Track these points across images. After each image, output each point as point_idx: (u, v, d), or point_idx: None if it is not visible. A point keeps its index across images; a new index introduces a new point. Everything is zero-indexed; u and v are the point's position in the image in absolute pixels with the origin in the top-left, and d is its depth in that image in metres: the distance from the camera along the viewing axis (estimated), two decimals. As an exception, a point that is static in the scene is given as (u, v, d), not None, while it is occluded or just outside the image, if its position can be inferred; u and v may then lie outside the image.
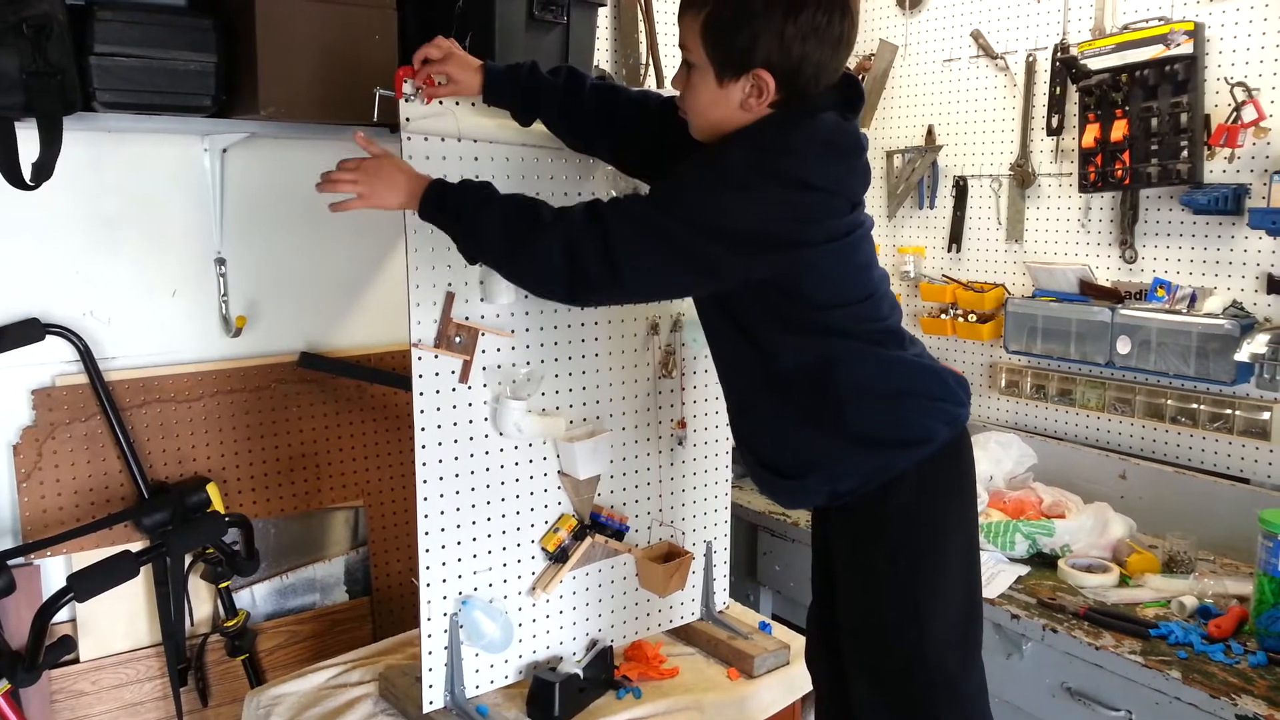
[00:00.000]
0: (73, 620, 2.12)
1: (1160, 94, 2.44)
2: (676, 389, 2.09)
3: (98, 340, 2.12)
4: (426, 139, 1.69)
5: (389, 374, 2.45)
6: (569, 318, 1.92)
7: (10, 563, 1.96)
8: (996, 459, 2.62)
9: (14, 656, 1.89)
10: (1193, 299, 2.45)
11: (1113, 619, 2.05)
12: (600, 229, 1.40)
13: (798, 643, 2.10)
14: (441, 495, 1.79)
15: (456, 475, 1.81)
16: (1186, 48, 2.37)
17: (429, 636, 1.80)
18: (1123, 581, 2.23)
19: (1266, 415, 2.34)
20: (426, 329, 1.75)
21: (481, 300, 1.79)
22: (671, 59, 2.93)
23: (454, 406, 1.79)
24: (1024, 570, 2.31)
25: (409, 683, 1.88)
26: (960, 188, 3.03)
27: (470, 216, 1.49)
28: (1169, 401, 2.51)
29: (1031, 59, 2.79)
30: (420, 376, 1.74)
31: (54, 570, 2.10)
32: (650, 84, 2.91)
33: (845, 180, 1.47)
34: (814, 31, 1.40)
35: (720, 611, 2.21)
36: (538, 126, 1.75)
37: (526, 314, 1.86)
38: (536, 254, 1.43)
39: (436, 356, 1.76)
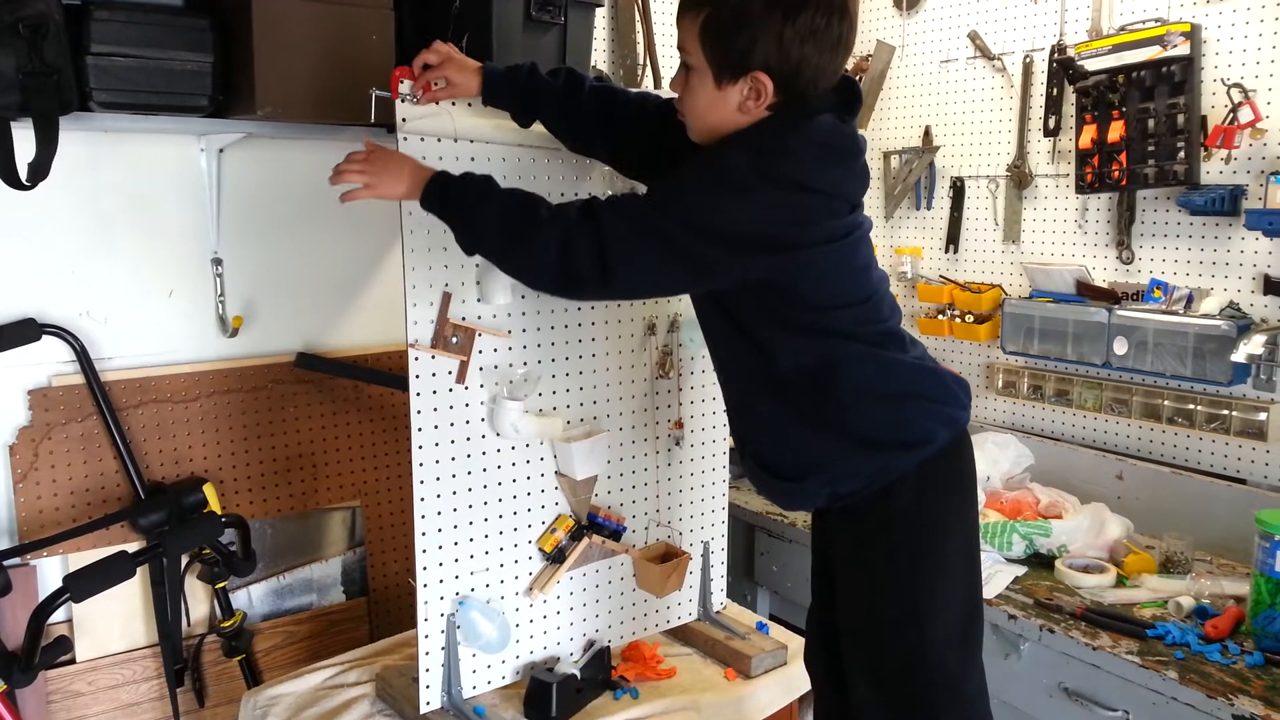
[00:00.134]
0: (69, 621, 2.11)
1: (1157, 95, 2.45)
2: (674, 389, 2.09)
3: (94, 340, 2.12)
4: (423, 139, 1.69)
5: (386, 374, 2.45)
6: (566, 318, 1.92)
7: (6, 563, 1.95)
8: (993, 459, 2.62)
9: (10, 657, 1.89)
10: (1189, 300, 2.45)
11: (1110, 619, 2.05)
12: (595, 228, 1.41)
13: (795, 643, 2.10)
14: (439, 496, 1.79)
15: (454, 476, 1.80)
16: (1183, 49, 2.37)
17: (426, 637, 1.80)
18: (1120, 582, 2.24)
19: (1263, 416, 2.34)
20: (423, 329, 1.74)
21: (478, 300, 1.79)
22: (669, 59, 2.93)
23: (451, 407, 1.79)
24: (1021, 571, 2.31)
25: (406, 683, 1.88)
26: (957, 188, 3.03)
27: (470, 210, 1.50)
28: (1166, 402, 2.52)
29: (1028, 60, 2.80)
30: (417, 377, 1.74)
31: (50, 570, 2.10)
32: (648, 85, 2.91)
33: (844, 183, 1.47)
34: (812, 34, 1.40)
35: (717, 612, 2.21)
36: (535, 127, 1.75)
37: (524, 314, 1.86)
38: (532, 250, 1.44)
39: (433, 357, 1.76)
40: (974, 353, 3.05)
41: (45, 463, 2.07)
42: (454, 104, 1.71)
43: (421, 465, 1.76)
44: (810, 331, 1.49)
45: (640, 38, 2.93)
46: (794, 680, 2.06)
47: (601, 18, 2.86)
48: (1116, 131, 2.51)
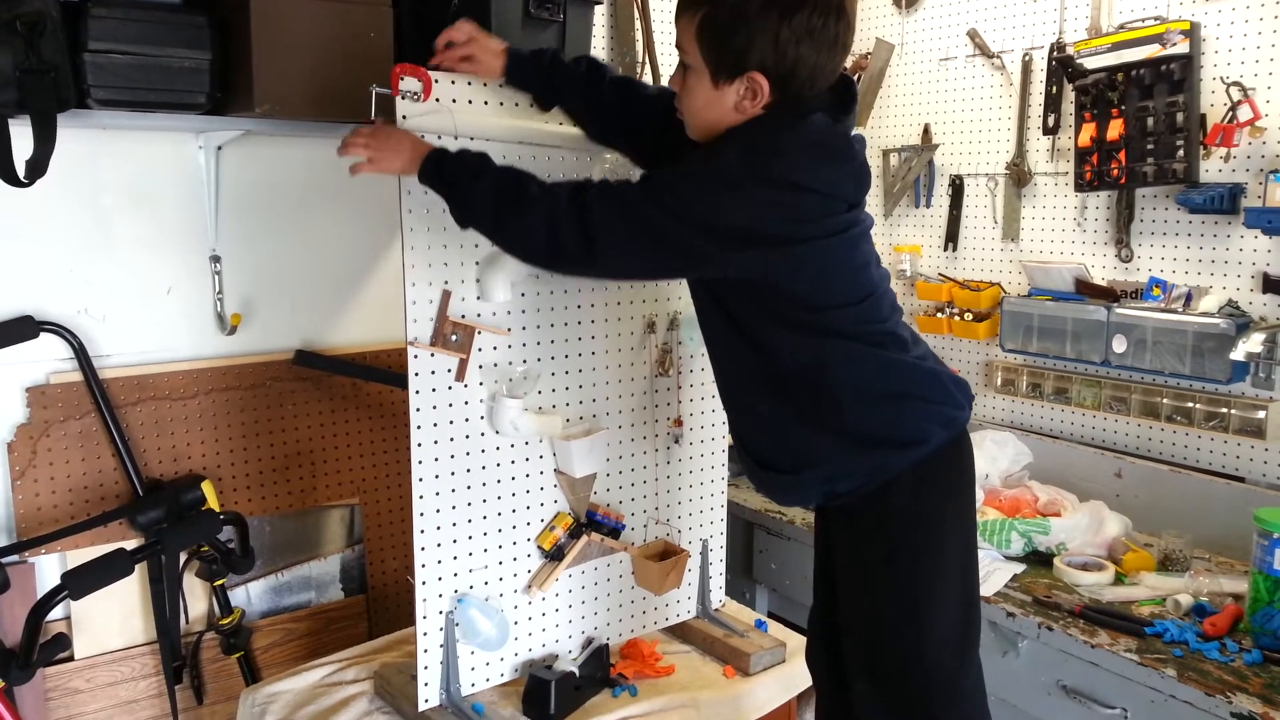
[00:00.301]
0: (67, 618, 2.11)
1: (1156, 93, 2.45)
2: (673, 387, 2.08)
3: (92, 338, 2.12)
4: (423, 136, 1.69)
5: (385, 372, 2.45)
6: (566, 316, 1.92)
7: (4, 560, 1.95)
8: (992, 457, 2.62)
9: (8, 654, 1.89)
10: (1188, 298, 2.45)
11: (1108, 617, 2.05)
12: (583, 207, 1.44)
13: (794, 641, 2.10)
14: (437, 493, 1.79)
15: (452, 473, 1.80)
16: (1182, 47, 2.37)
17: (424, 634, 1.80)
18: (1118, 580, 2.24)
19: (1261, 414, 2.34)
20: (423, 327, 1.74)
21: (478, 298, 1.79)
22: (667, 57, 2.93)
23: (450, 405, 1.79)
24: (1020, 568, 2.32)
25: (404, 680, 1.88)
26: (956, 187, 3.03)
27: (464, 185, 1.53)
28: (1164, 400, 2.52)
29: (1028, 58, 2.79)
30: (416, 375, 1.74)
31: (48, 568, 2.10)
32: (646, 81, 2.91)
33: (840, 182, 1.47)
34: (808, 34, 1.40)
35: (716, 609, 2.21)
36: (534, 125, 1.76)
37: (523, 312, 1.86)
38: (521, 224, 1.48)
39: (433, 354, 1.75)
40: (973, 351, 3.05)
41: (43, 460, 2.07)
42: (454, 100, 1.71)
43: (420, 463, 1.76)
44: (808, 330, 1.49)
45: (639, 35, 2.93)
46: (792, 678, 2.06)
47: (601, 15, 2.86)
48: (1116, 130, 2.51)
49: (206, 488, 2.19)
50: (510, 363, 1.84)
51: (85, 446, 2.11)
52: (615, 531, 2.01)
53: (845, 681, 1.62)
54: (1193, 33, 2.37)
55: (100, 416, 2.10)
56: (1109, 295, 2.62)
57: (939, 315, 3.03)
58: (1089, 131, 2.57)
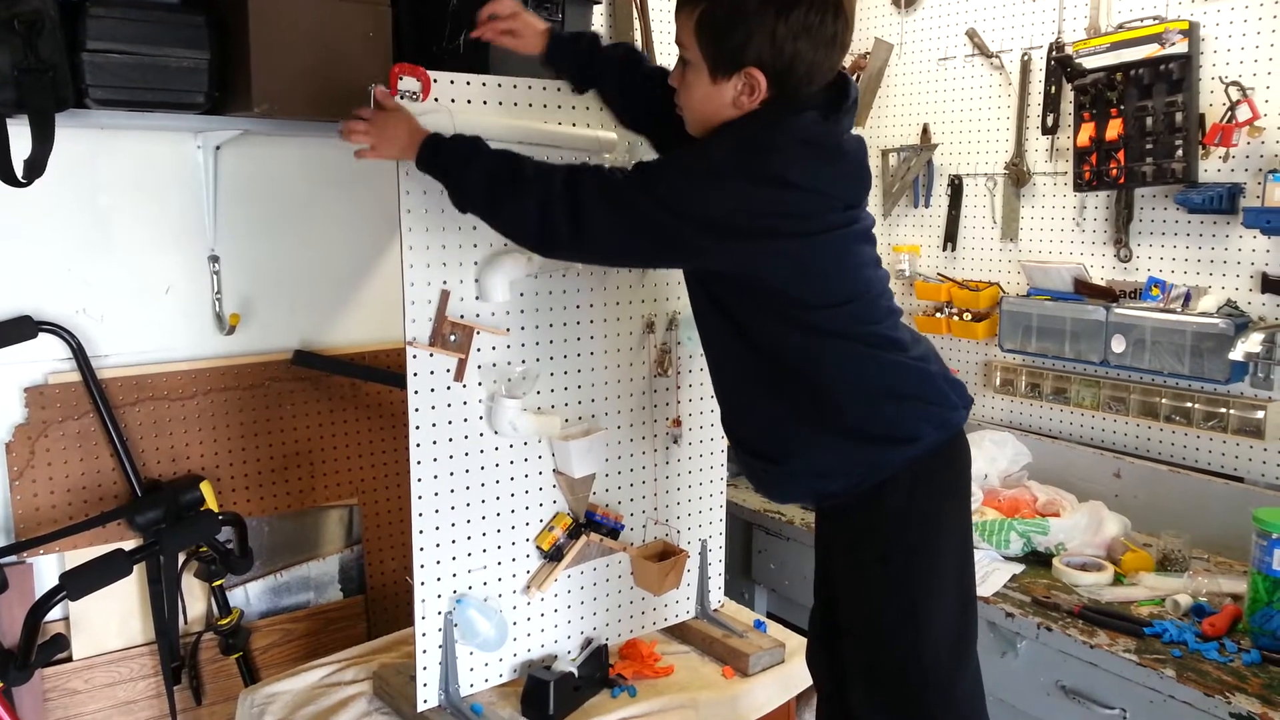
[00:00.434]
0: (65, 619, 2.11)
1: (1155, 93, 2.45)
2: (672, 387, 2.08)
3: (91, 338, 2.12)
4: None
5: (383, 372, 2.44)
6: (565, 316, 1.92)
7: (3, 561, 1.95)
8: (991, 457, 2.62)
9: (6, 655, 1.89)
10: (1187, 298, 2.45)
11: (1107, 617, 2.05)
12: (575, 191, 1.46)
13: (793, 641, 2.10)
14: (436, 494, 1.79)
15: (451, 474, 1.80)
16: (1181, 47, 2.37)
17: (423, 635, 1.80)
18: (1117, 580, 2.24)
19: (1260, 414, 2.34)
20: (421, 327, 1.74)
21: (477, 298, 1.79)
22: (666, 55, 2.92)
23: (449, 405, 1.78)
24: (1018, 569, 2.32)
25: (403, 681, 1.87)
26: (955, 186, 3.03)
27: (459, 170, 1.55)
28: (1163, 400, 2.52)
29: (1027, 58, 2.79)
30: (415, 375, 1.74)
31: (47, 568, 2.10)
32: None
33: (834, 181, 1.47)
34: (805, 31, 1.41)
35: (715, 610, 2.21)
36: (533, 125, 1.76)
37: (522, 312, 1.86)
38: (516, 208, 1.51)
39: (431, 355, 1.75)
40: (972, 351, 3.05)
41: (42, 460, 2.07)
42: (453, 100, 1.71)
43: (419, 463, 1.76)
44: (802, 329, 1.49)
45: (638, 33, 2.93)
46: (791, 678, 2.06)
47: (600, 13, 2.86)
48: (1114, 129, 2.51)
49: (205, 488, 2.18)
50: (509, 363, 1.84)
51: (84, 447, 2.11)
52: (614, 532, 2.00)
53: (845, 682, 1.62)
54: (1191, 32, 2.37)
55: (99, 417, 2.10)
56: (1108, 295, 2.62)
57: (938, 315, 3.03)
58: (1088, 131, 2.57)
